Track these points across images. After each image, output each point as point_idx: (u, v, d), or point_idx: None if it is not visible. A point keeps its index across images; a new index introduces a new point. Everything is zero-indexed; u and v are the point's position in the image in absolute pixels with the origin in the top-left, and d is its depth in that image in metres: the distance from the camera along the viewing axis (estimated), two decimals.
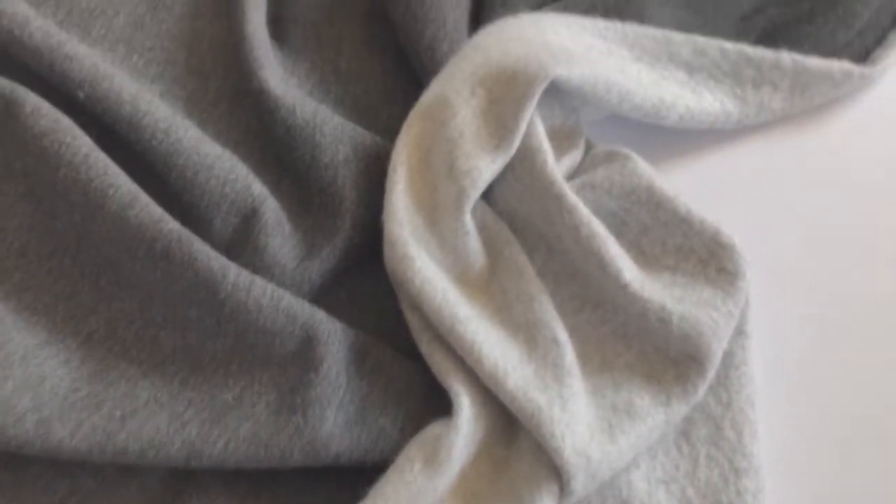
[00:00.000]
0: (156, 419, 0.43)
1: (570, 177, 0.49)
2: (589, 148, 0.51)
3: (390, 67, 0.55)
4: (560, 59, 0.46)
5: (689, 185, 0.52)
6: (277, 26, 0.56)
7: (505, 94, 0.46)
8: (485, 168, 0.45)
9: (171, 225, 0.45)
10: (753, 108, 0.53)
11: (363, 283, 0.49)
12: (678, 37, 0.52)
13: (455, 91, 0.47)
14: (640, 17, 0.53)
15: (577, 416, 0.42)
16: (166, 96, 0.54)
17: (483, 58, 0.47)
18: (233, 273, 0.44)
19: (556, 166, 0.46)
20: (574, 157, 0.49)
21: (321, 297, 0.49)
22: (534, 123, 0.46)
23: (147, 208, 0.45)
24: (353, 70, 0.55)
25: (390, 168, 0.47)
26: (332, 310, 0.47)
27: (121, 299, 0.47)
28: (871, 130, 0.55)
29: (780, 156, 0.54)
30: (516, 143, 0.46)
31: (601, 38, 0.51)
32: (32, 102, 0.47)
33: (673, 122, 0.51)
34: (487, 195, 0.48)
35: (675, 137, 0.53)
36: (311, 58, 0.55)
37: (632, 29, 0.52)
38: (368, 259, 0.49)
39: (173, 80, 0.54)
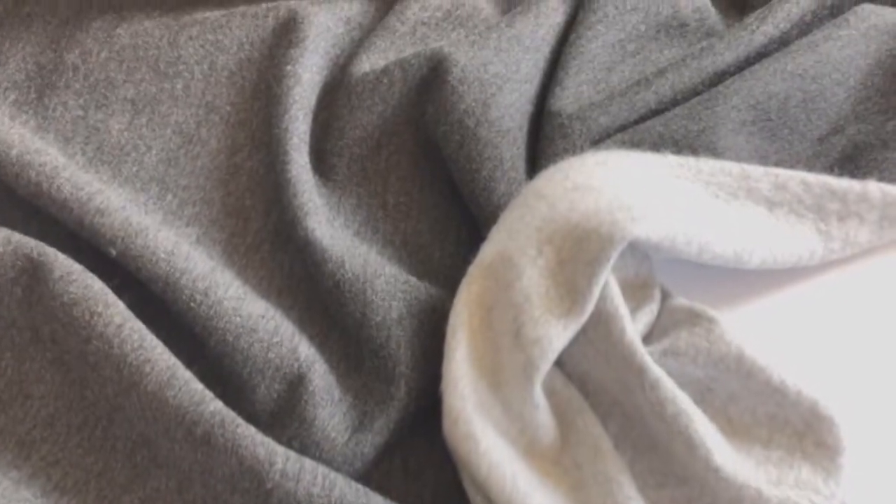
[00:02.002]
0: None
1: (648, 332, 0.45)
2: (664, 297, 0.47)
3: (441, 202, 0.51)
4: (636, 217, 0.42)
5: (769, 326, 0.48)
6: (321, 160, 0.52)
7: (576, 255, 0.42)
8: (555, 337, 0.41)
9: (213, 406, 0.41)
10: (839, 242, 0.49)
11: (420, 449, 0.45)
12: (756, 171, 0.48)
13: (520, 249, 0.43)
14: (713, 147, 0.49)
15: None
16: (203, 240, 0.50)
17: (548, 210, 0.43)
18: (280, 459, 0.40)
19: (636, 331, 0.42)
20: (651, 310, 0.45)
21: (374, 465, 0.44)
22: (608, 285, 0.42)
23: (187, 386, 0.41)
24: (401, 206, 0.51)
25: (449, 331, 0.43)
26: (385, 480, 0.43)
27: (157, 478, 0.43)
28: None
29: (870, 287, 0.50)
30: (589, 308, 0.41)
31: (674, 176, 0.47)
32: (62, 267, 0.44)
33: (755, 266, 0.47)
34: (557, 356, 0.44)
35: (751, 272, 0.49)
36: (357, 192, 0.52)
37: (706, 164, 0.48)
38: (425, 422, 0.44)
39: (211, 222, 0.51)
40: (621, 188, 0.44)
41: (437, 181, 0.52)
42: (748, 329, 0.48)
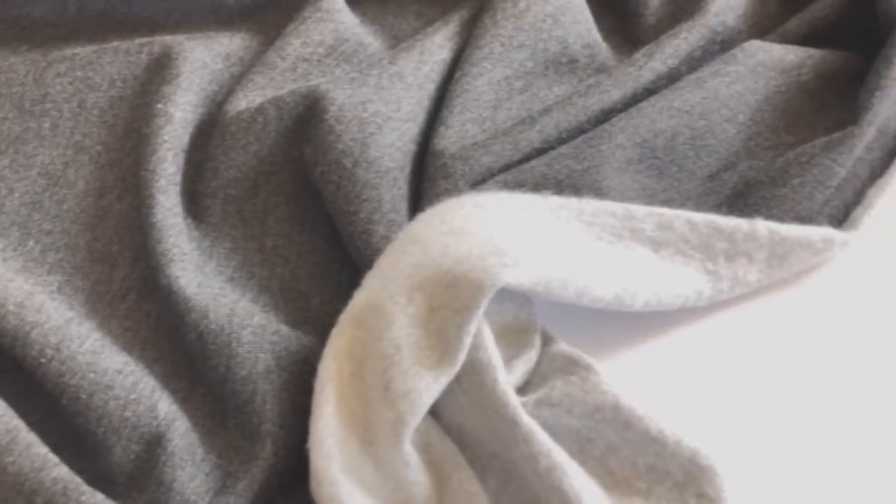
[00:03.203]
0: None
1: (527, 380, 0.43)
2: (545, 341, 0.45)
3: (322, 245, 0.49)
4: (508, 262, 0.40)
5: (654, 369, 0.46)
6: (195, 201, 0.50)
7: (446, 302, 0.40)
8: (425, 390, 0.39)
9: (56, 472, 0.38)
10: (727, 283, 0.48)
11: None
12: (640, 211, 0.47)
13: (390, 296, 0.41)
14: (597, 187, 0.48)
15: None
16: (65, 289, 0.47)
17: (421, 255, 0.41)
18: None
19: (509, 382, 0.40)
20: (529, 357, 0.43)
21: None
22: (481, 333, 0.40)
23: (28, 451, 0.38)
24: (279, 249, 0.49)
25: (317, 385, 0.41)
26: None
27: None
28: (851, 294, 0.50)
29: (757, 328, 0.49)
30: (461, 357, 0.39)
31: (555, 218, 0.46)
32: None
33: (638, 309, 0.46)
34: (432, 407, 0.42)
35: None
36: (232, 236, 0.49)
37: (589, 205, 0.46)
38: (295, 483, 0.42)
39: (75, 270, 0.48)
40: (497, 232, 0.42)
41: (318, 223, 0.50)
42: (633, 373, 0.47)
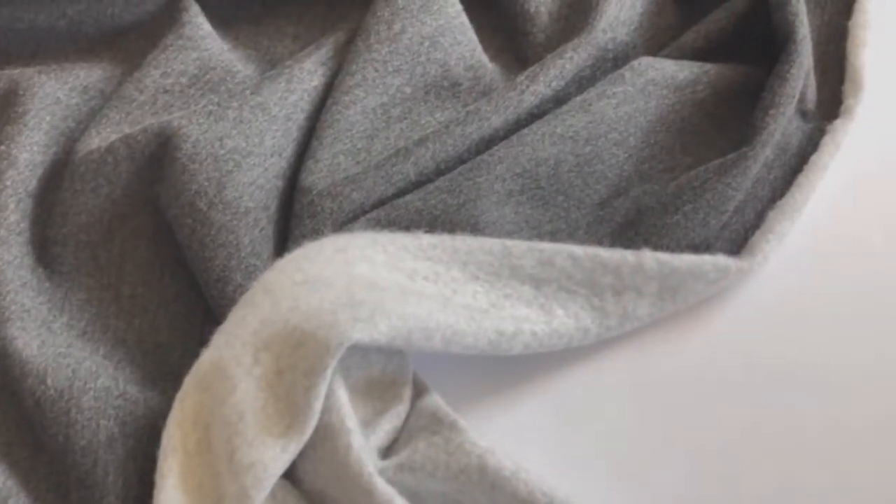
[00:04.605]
0: None
1: (395, 437, 0.40)
2: (418, 392, 0.42)
3: (184, 293, 0.46)
4: (360, 316, 0.37)
5: (541, 412, 0.44)
6: (46, 249, 0.46)
7: (294, 364, 0.37)
8: (271, 461, 0.36)
9: None
10: (616, 319, 0.45)
11: None
12: (519, 247, 0.44)
13: (235, 358, 0.37)
14: (474, 222, 0.45)
15: None
16: None
17: (270, 309, 0.38)
18: None
19: (365, 447, 0.37)
20: (398, 413, 0.40)
21: None
22: (334, 394, 0.37)
23: None
24: (137, 298, 0.45)
25: (160, 456, 0.37)
26: None
27: None
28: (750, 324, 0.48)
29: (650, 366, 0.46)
30: (311, 423, 0.36)
31: (426, 259, 0.43)
32: None
33: (518, 352, 0.43)
34: (292, 471, 0.39)
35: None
36: (87, 285, 0.46)
37: (463, 243, 0.43)
38: None
39: None
40: (355, 281, 0.39)
41: (181, 267, 0.46)
42: (518, 419, 0.44)
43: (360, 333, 0.36)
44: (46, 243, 0.46)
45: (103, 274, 0.46)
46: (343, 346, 0.36)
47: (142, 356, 0.44)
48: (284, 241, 0.46)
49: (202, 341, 0.44)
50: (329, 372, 0.36)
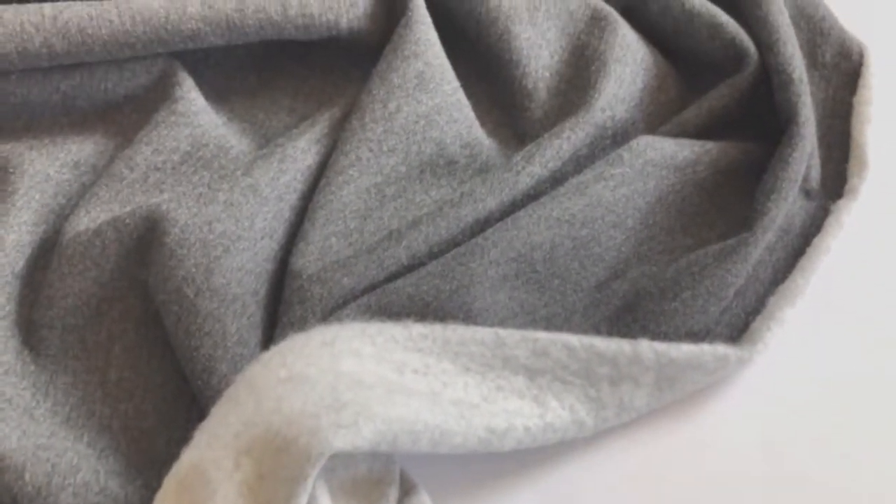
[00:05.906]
0: None
1: None
2: (406, 491, 0.41)
3: (172, 378, 0.45)
4: (343, 422, 0.36)
5: None
6: (31, 333, 0.45)
7: (275, 470, 0.36)
8: None
9: None
10: (612, 410, 0.44)
11: None
12: (512, 336, 0.43)
13: (215, 461, 0.36)
14: (467, 309, 0.44)
15: None
16: None
17: (253, 410, 0.37)
18: None
19: None
20: None
21: None
22: (315, 500, 0.36)
23: None
24: (124, 382, 0.44)
25: None
26: None
27: None
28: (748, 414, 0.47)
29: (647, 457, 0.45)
30: None
31: (416, 350, 0.42)
32: None
33: (511, 449, 0.42)
34: None
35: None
36: (73, 368, 0.45)
37: (454, 333, 0.42)
38: None
39: None
40: (340, 380, 0.38)
41: (168, 352, 0.45)
42: None
43: (343, 441, 0.35)
44: (33, 326, 0.45)
45: (90, 357, 0.45)
46: (325, 455, 0.35)
47: (126, 443, 0.43)
48: (273, 325, 0.45)
49: (188, 428, 0.44)
50: (311, 481, 0.35)
